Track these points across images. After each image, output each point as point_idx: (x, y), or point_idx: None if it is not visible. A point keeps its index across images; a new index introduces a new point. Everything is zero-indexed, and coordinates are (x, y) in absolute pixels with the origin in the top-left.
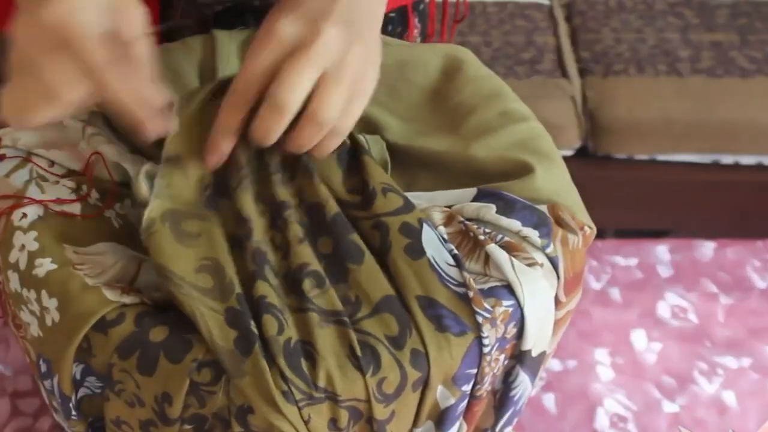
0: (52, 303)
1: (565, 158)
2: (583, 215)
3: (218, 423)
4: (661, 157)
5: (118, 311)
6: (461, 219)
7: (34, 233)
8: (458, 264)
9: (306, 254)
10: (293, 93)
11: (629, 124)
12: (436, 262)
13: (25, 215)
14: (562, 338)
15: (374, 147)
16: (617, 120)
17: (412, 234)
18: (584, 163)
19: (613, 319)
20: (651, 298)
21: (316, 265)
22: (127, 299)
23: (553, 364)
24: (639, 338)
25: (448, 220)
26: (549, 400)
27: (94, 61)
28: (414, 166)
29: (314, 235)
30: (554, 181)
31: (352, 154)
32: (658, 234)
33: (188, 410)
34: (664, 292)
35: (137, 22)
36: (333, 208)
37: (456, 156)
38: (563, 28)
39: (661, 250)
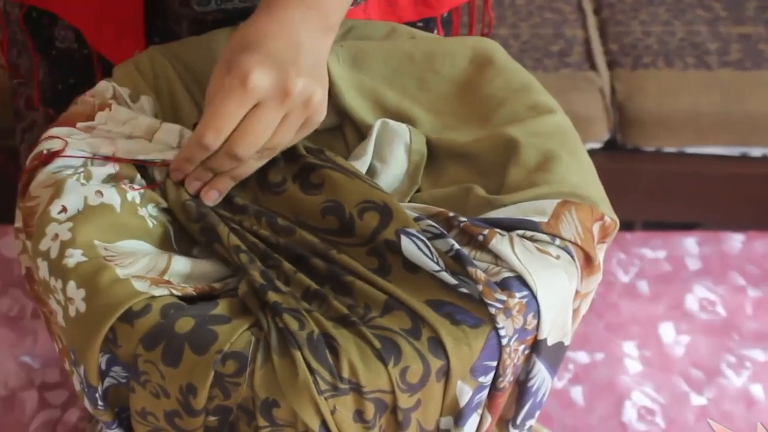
0: (78, 294)
1: (594, 151)
2: (605, 207)
3: (243, 415)
4: (689, 150)
5: (145, 302)
6: (459, 220)
7: (69, 224)
8: (462, 259)
9: (304, 280)
10: (254, 147)
11: (658, 117)
12: (433, 270)
13: (64, 209)
14: (590, 331)
15: (416, 139)
16: (646, 112)
17: (400, 251)
18: (613, 155)
19: (641, 311)
20: (679, 291)
21: (316, 285)
22: (156, 291)
23: (581, 357)
24: (667, 331)
25: (448, 224)
26: (577, 393)
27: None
28: (443, 158)
29: (306, 259)
30: (578, 174)
31: (310, 168)
32: (686, 226)
33: (213, 402)
34: (692, 285)
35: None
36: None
37: (485, 141)
38: (592, 20)
39: (690, 242)
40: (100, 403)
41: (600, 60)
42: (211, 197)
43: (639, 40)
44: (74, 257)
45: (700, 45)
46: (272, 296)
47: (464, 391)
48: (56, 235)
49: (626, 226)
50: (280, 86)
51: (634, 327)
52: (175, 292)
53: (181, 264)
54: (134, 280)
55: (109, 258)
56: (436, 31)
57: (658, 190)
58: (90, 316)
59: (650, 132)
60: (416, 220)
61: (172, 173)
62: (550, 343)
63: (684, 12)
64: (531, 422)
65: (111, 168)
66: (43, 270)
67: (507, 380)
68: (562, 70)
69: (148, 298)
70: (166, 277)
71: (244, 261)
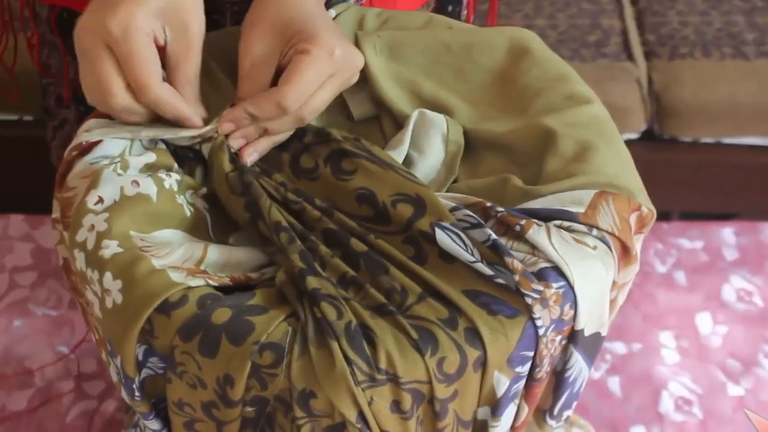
0: (115, 285)
1: (631, 141)
2: (643, 198)
3: (280, 406)
4: (726, 140)
5: (182, 293)
6: (497, 210)
7: (105, 215)
8: (499, 249)
9: (340, 265)
10: (318, 112)
11: (695, 107)
12: (468, 261)
13: (101, 200)
14: (627, 321)
15: (453, 129)
16: (683, 103)
17: (435, 242)
18: (650, 145)
19: (678, 302)
20: (716, 281)
21: (353, 272)
22: (192, 281)
23: (618, 347)
24: (704, 321)
25: (485, 214)
26: (614, 383)
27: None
28: (480, 149)
29: (345, 239)
30: (615, 164)
31: (341, 154)
32: (723, 217)
33: (250, 392)
34: (729, 275)
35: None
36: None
37: (522, 131)
38: (629, 11)
39: (727, 232)
40: (137, 393)
41: (637, 50)
42: (253, 157)
43: (676, 30)
44: (110, 248)
45: (738, 35)
46: (311, 282)
47: (501, 382)
48: (92, 226)
49: (663, 216)
50: (352, 60)
51: (671, 317)
52: (211, 282)
53: (216, 253)
54: (171, 271)
55: (145, 249)
56: None
57: (695, 181)
58: (126, 307)
59: (687, 122)
60: (453, 210)
61: (224, 125)
62: (587, 333)
63: (721, 2)
64: (568, 413)
65: (147, 158)
66: (80, 261)
67: (544, 370)
68: (599, 60)
69: (184, 289)
70: (202, 267)
71: (284, 241)
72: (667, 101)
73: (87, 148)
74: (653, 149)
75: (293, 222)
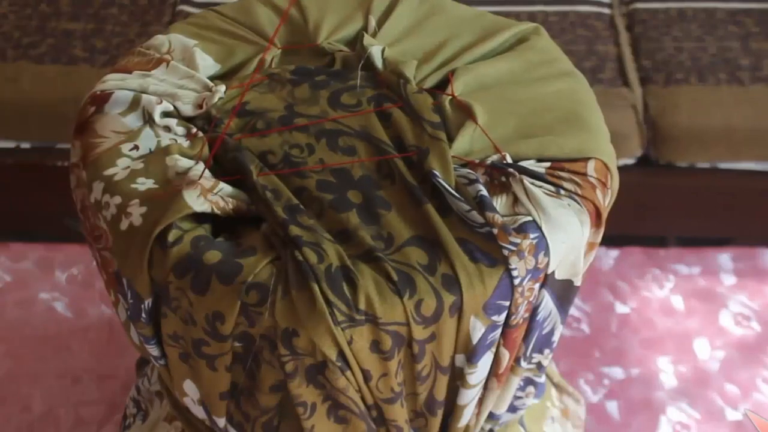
0: (140, 210)
1: (627, 167)
2: (612, 163)
3: (266, 345)
4: (722, 165)
5: (178, 234)
6: (487, 163)
7: (141, 161)
8: (484, 204)
9: (333, 218)
10: None
11: (690, 133)
12: (461, 212)
13: (136, 147)
14: (625, 346)
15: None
16: (679, 128)
17: (436, 193)
18: (646, 171)
19: (676, 327)
20: (714, 307)
21: (343, 224)
22: (200, 206)
23: (617, 372)
24: (702, 346)
25: (473, 168)
26: (612, 408)
27: None
28: None
29: (343, 191)
30: (592, 131)
31: (384, 98)
32: (720, 242)
33: (238, 328)
34: (726, 301)
35: None
36: (358, 172)
37: None
38: (624, 37)
39: (724, 258)
40: (143, 316)
41: (633, 76)
42: None
43: (671, 56)
44: (145, 184)
45: (732, 61)
46: (294, 230)
47: (477, 328)
48: (127, 167)
49: (660, 241)
50: None
51: (669, 342)
52: (216, 210)
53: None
54: (186, 190)
55: (177, 183)
56: None
57: (691, 206)
58: (144, 226)
59: (683, 148)
60: (459, 167)
61: None
62: (557, 277)
63: (716, 28)
64: (540, 357)
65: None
66: (96, 191)
67: (520, 317)
68: (595, 86)
69: (180, 231)
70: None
71: (269, 197)
72: (663, 127)
73: (100, 98)
74: (649, 175)
75: (281, 186)
